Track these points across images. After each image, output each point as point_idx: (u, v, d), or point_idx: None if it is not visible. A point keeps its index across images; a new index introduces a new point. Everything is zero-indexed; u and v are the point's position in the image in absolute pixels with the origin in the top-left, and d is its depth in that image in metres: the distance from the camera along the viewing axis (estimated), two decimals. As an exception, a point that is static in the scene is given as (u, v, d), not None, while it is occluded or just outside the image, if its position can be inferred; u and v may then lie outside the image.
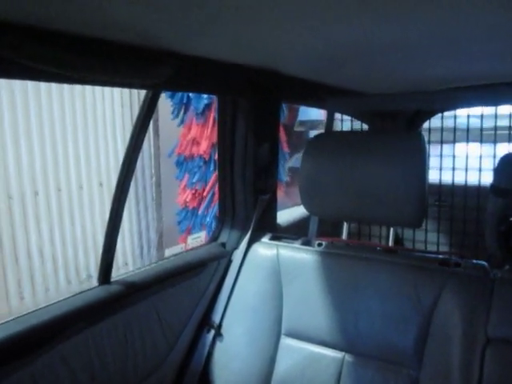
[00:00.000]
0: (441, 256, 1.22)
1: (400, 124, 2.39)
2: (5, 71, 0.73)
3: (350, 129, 2.51)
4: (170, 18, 0.72)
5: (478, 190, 2.32)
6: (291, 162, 3.93)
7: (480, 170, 2.34)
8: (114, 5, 0.64)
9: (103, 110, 3.46)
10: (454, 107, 2.26)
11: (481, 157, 2.34)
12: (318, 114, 3.93)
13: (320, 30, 0.86)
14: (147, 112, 1.11)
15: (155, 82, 0.94)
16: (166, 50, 0.94)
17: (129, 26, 0.76)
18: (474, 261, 1.16)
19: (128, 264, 3.69)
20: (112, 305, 1.11)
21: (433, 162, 2.29)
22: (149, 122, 1.13)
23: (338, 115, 2.51)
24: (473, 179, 2.39)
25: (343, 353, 1.18)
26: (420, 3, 0.69)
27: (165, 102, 3.04)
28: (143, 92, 1.12)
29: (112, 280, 1.16)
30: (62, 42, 0.75)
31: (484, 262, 1.15)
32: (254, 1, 0.66)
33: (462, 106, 2.23)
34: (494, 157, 2.27)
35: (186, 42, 0.90)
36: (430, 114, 2.48)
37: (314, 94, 1.64)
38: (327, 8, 0.71)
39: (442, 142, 2.38)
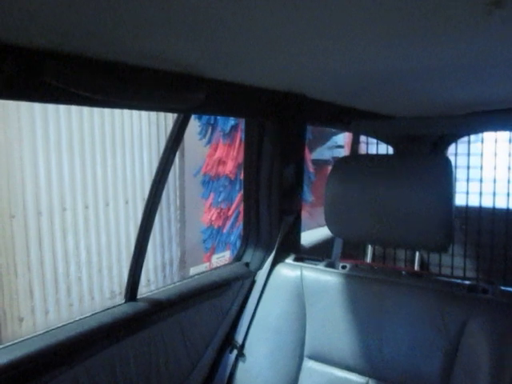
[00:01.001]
0: (468, 282, 1.20)
1: (426, 147, 2.37)
2: (48, 96, 0.78)
3: (375, 152, 2.51)
4: (203, 47, 0.75)
5: (507, 214, 2.28)
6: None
7: (508, 194, 2.30)
8: (152, 36, 0.67)
9: (131, 129, 3.54)
10: (480, 131, 2.24)
11: (509, 181, 2.30)
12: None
13: (347, 56, 0.88)
14: (177, 134, 1.14)
15: (188, 106, 0.97)
16: (199, 77, 0.97)
17: (165, 55, 0.80)
18: (503, 287, 1.14)
19: (150, 281, 3.72)
20: (138, 322, 1.13)
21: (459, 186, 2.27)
22: (179, 144, 1.16)
23: (363, 138, 2.51)
24: (502, 204, 2.35)
25: (367, 378, 1.17)
26: (447, 30, 0.70)
27: (191, 123, 3.10)
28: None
29: (138, 297, 1.18)
30: (102, 69, 0.79)
31: None
32: (282, 32, 0.68)
33: (489, 130, 2.21)
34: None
35: (217, 69, 0.93)
36: (455, 137, 2.46)
37: (340, 116, 1.65)
38: (355, 36, 0.73)
39: (468, 168, 2.35)
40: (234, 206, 3.14)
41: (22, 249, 2.96)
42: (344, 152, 4.27)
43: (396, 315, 1.16)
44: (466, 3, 0.56)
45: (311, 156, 3.78)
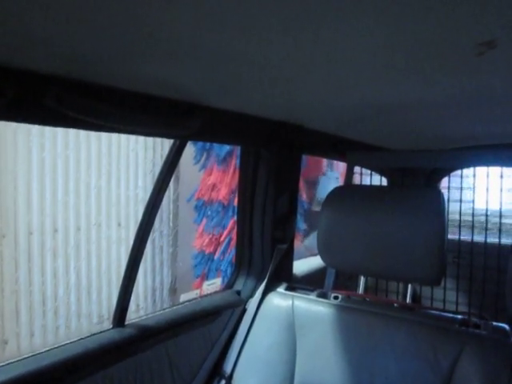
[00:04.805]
0: (459, 316, 1.19)
1: (419, 179, 2.39)
2: (48, 119, 0.78)
3: (369, 183, 2.53)
4: (202, 77, 0.77)
5: (499, 249, 2.28)
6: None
7: (500, 230, 2.31)
8: (153, 64, 0.69)
9: (127, 152, 3.55)
10: (473, 165, 2.26)
11: (501, 216, 2.31)
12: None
13: (344, 89, 0.89)
14: (173, 160, 1.15)
15: (185, 133, 0.98)
16: (197, 104, 0.99)
17: (165, 82, 0.81)
18: (494, 323, 1.13)
19: (139, 305, 3.66)
20: (125, 349, 1.11)
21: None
22: (174, 169, 1.17)
23: (357, 168, 2.53)
24: (493, 238, 2.36)
25: None
26: (440, 68, 0.72)
27: (187, 148, 3.11)
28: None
29: (126, 323, 1.16)
30: (101, 94, 0.80)
31: (504, 325, 1.12)
32: (281, 66, 0.69)
33: (480, 165, 2.23)
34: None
35: (215, 97, 0.95)
36: (449, 171, 2.48)
37: (336, 147, 1.67)
38: (352, 71, 0.74)
39: (460, 201, 2.37)
40: (226, 232, 3.13)
41: (10, 270, 2.92)
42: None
43: (387, 349, 1.15)
44: (458, 44, 0.58)
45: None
